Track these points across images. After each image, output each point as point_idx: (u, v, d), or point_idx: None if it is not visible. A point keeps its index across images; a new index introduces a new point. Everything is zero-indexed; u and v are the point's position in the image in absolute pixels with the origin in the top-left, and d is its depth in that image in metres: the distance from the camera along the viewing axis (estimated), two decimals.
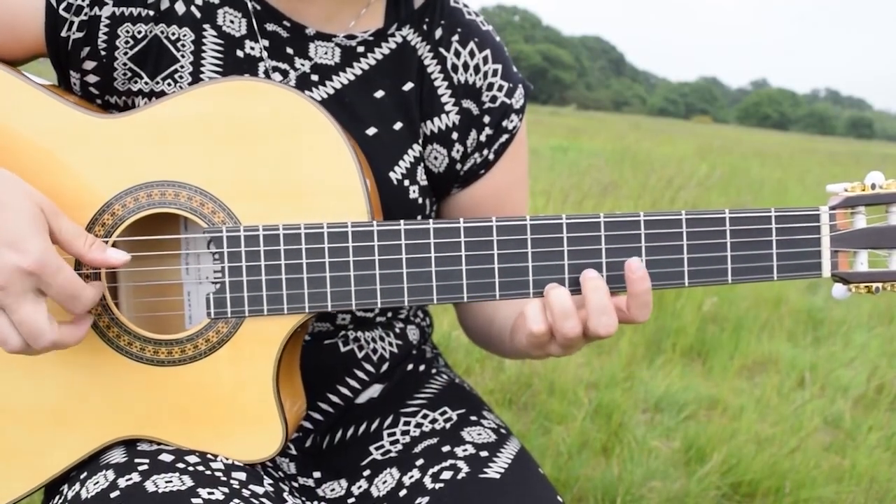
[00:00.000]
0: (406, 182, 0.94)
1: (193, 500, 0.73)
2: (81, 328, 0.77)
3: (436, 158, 0.97)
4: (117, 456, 0.80)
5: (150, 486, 0.74)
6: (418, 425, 0.95)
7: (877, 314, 4.08)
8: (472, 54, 0.97)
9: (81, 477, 0.79)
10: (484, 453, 0.88)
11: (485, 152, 0.99)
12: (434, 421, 0.95)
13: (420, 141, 0.96)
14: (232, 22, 0.90)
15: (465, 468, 0.85)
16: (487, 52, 0.98)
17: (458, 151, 0.97)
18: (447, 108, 0.96)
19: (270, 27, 0.91)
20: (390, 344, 1.02)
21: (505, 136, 0.99)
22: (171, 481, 0.75)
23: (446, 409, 0.97)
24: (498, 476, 0.84)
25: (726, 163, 11.15)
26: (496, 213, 1.01)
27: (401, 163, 0.94)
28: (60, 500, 0.78)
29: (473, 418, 0.95)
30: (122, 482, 0.75)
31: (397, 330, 1.04)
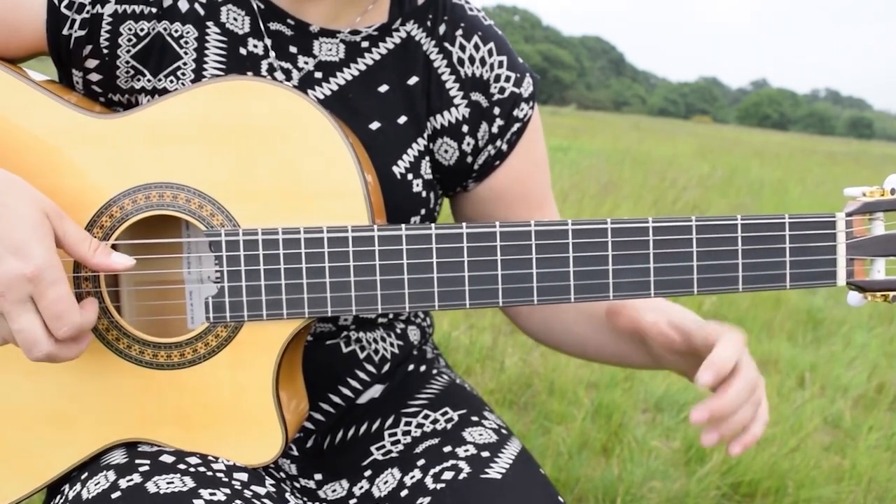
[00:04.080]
0: (409, 176, 0.94)
1: (195, 501, 0.73)
2: (78, 345, 0.75)
3: (446, 151, 0.97)
4: (118, 457, 0.80)
5: (151, 486, 0.74)
6: (419, 426, 0.95)
7: (877, 314, 4.07)
8: (476, 48, 0.97)
9: (82, 477, 0.79)
10: (485, 453, 0.88)
11: (498, 143, 0.99)
12: (435, 421, 0.95)
13: (425, 135, 0.96)
14: (235, 19, 0.90)
15: (466, 468, 0.85)
16: (492, 44, 0.98)
17: (468, 144, 0.98)
18: (456, 101, 0.96)
19: (274, 26, 0.91)
20: (391, 345, 1.02)
21: (517, 126, 0.99)
22: (172, 482, 0.75)
23: (447, 409, 0.97)
24: (499, 476, 0.84)
25: (726, 163, 11.14)
26: (521, 200, 1.02)
27: (404, 157, 0.94)
28: (61, 500, 0.78)
29: (474, 419, 0.95)
30: (122, 483, 0.74)
31: (398, 330, 1.04)
